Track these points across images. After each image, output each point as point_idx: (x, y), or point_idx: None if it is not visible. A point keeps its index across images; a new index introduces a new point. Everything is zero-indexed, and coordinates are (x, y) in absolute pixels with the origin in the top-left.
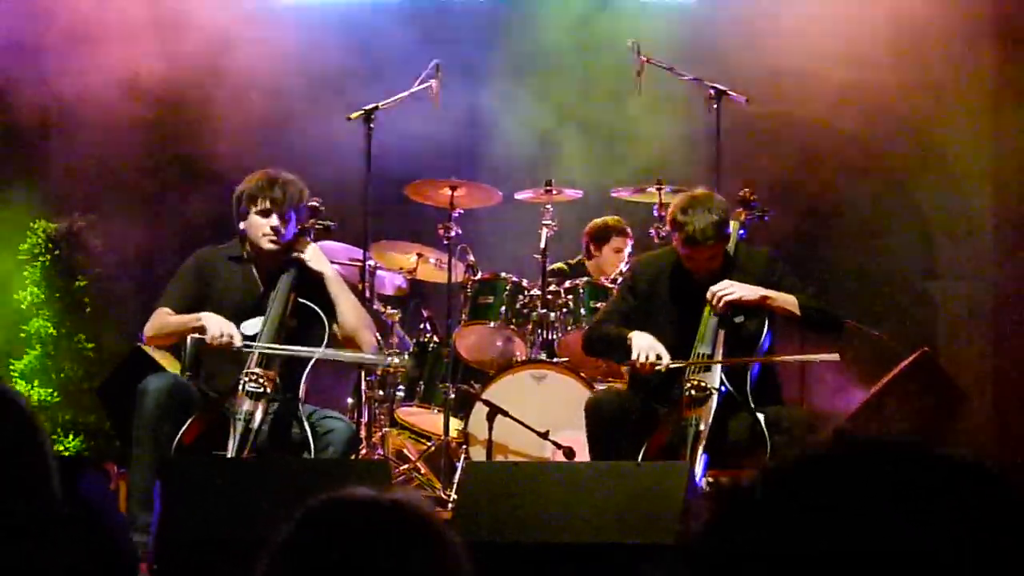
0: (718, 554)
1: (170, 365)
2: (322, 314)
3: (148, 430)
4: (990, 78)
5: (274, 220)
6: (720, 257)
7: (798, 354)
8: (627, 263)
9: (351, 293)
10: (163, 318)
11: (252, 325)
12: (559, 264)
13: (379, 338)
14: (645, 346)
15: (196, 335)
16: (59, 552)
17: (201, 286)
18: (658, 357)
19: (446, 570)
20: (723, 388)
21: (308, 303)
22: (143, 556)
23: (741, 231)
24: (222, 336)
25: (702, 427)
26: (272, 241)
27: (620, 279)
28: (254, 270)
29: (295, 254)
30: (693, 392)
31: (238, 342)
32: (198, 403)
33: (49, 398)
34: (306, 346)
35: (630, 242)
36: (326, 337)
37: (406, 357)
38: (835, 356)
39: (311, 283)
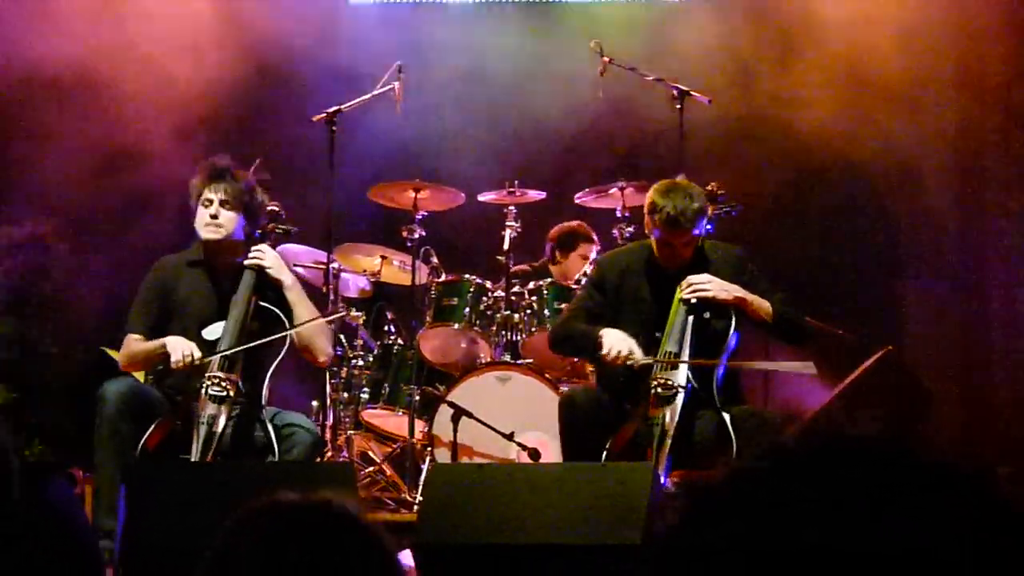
0: (687, 552)
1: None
2: (283, 316)
3: (108, 435)
4: (952, 75)
5: (214, 209)
6: (692, 247)
7: (770, 359)
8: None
9: (308, 301)
10: (132, 347)
11: (214, 330)
12: (522, 266)
13: (344, 342)
14: (616, 340)
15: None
16: (25, 558)
17: (163, 299)
18: (630, 352)
19: (379, 571)
20: (689, 386)
21: (269, 306)
22: (109, 562)
23: (709, 226)
24: (184, 359)
25: (668, 425)
26: (212, 230)
27: (585, 277)
28: (213, 272)
29: (253, 259)
30: (660, 390)
31: (197, 358)
32: (159, 406)
33: (10, 401)
34: (268, 349)
35: (595, 248)
36: (287, 338)
37: (353, 311)
38: (811, 368)
39: (271, 286)
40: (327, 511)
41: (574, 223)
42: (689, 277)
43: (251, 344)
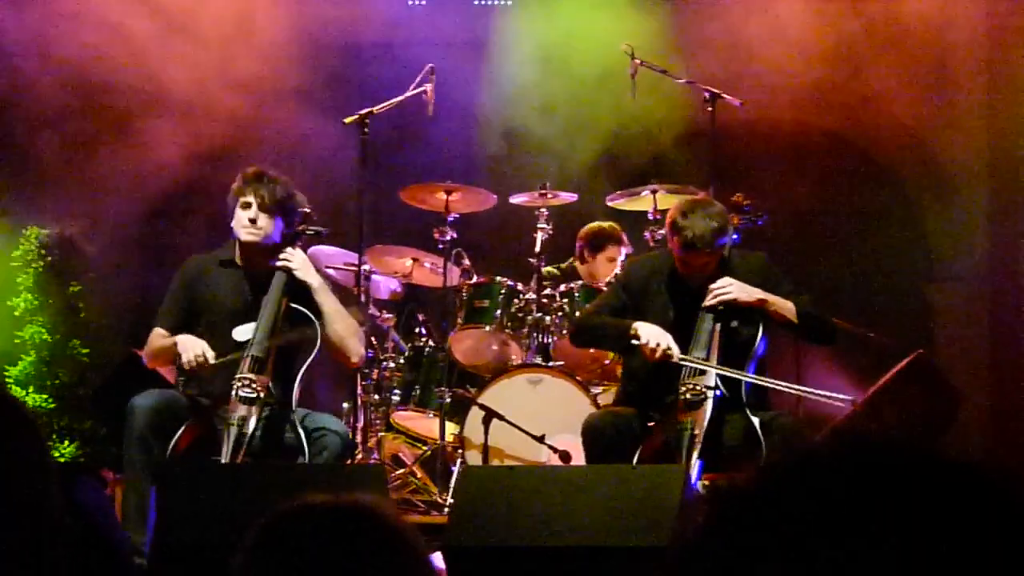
0: (714, 554)
1: (166, 370)
2: (314, 318)
3: (138, 450)
4: (985, 79)
5: (252, 212)
6: (715, 264)
7: (802, 375)
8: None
9: (338, 303)
10: (154, 342)
11: (244, 331)
12: (550, 268)
13: (375, 343)
14: (656, 333)
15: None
16: (60, 561)
17: (191, 297)
18: (668, 347)
19: (411, 572)
20: (719, 391)
21: (300, 307)
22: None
23: (735, 236)
24: (195, 359)
25: (697, 431)
26: (250, 233)
27: (613, 279)
28: (244, 273)
29: (283, 262)
30: (688, 396)
31: (211, 359)
32: (188, 413)
33: (44, 404)
34: (300, 352)
35: (624, 250)
36: (318, 341)
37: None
38: (849, 398)
39: (302, 288)
40: (359, 512)
41: (606, 224)
42: (711, 285)
43: (247, 354)
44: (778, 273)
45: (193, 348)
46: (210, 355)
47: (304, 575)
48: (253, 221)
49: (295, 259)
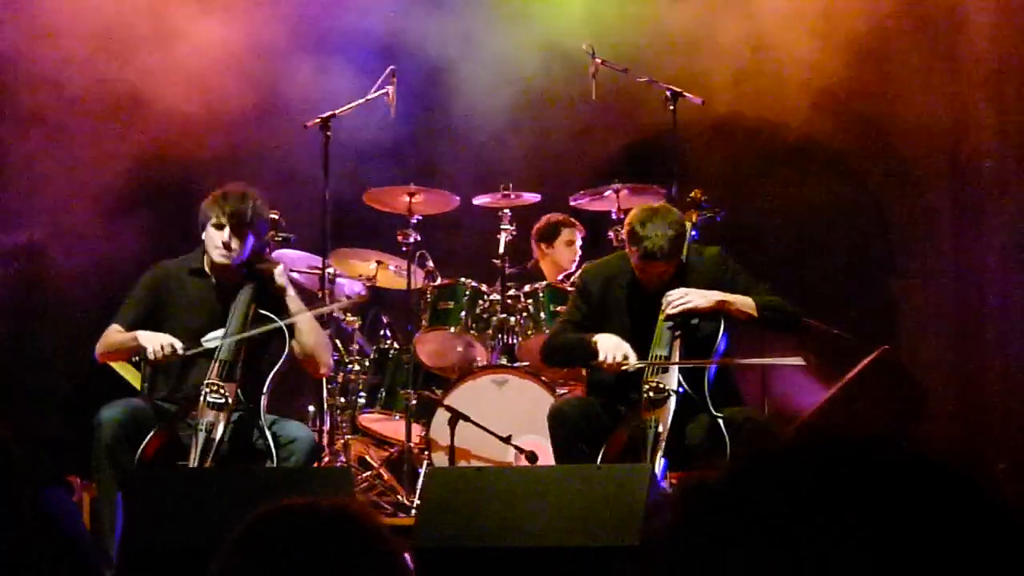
0: (686, 550)
1: (130, 375)
2: (282, 324)
3: (106, 462)
4: (947, 75)
5: (225, 235)
6: (672, 270)
7: (762, 356)
8: (580, 256)
9: (310, 313)
10: (109, 336)
11: (213, 337)
12: (513, 270)
13: (340, 346)
14: (611, 346)
15: (139, 354)
16: (25, 568)
17: (157, 300)
18: (624, 357)
19: (387, 573)
20: (681, 389)
21: (268, 313)
22: None
23: (693, 232)
24: (162, 349)
25: (661, 429)
26: (223, 255)
27: (576, 264)
28: (213, 282)
29: (259, 266)
30: (651, 394)
31: (180, 349)
32: (155, 421)
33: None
34: (268, 357)
35: (580, 233)
36: (287, 347)
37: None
38: (799, 360)
39: (270, 296)
40: (337, 514)
41: (549, 215)
42: (667, 295)
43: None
44: (735, 266)
45: (158, 340)
46: (178, 345)
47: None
48: (226, 244)
49: (276, 268)
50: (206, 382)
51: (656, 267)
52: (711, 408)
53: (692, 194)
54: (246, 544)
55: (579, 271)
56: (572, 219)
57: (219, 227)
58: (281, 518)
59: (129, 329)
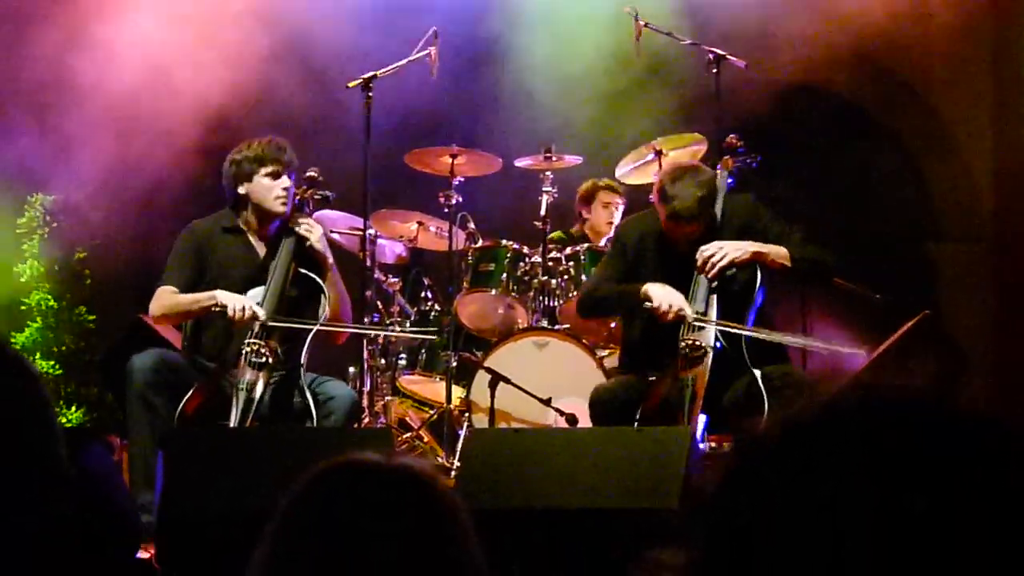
0: (736, 512)
1: (172, 335)
2: (323, 284)
3: (140, 408)
4: (989, 35)
5: (286, 181)
6: (702, 229)
7: (810, 332)
8: (619, 219)
9: (343, 288)
10: (171, 297)
11: (253, 295)
12: (558, 232)
13: (381, 307)
14: (666, 295)
15: (216, 311)
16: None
17: (201, 260)
18: (680, 308)
19: (451, 535)
20: (719, 345)
21: (308, 273)
22: (146, 536)
23: (729, 180)
24: (244, 311)
25: (698, 387)
26: (285, 202)
27: (611, 226)
28: (250, 239)
29: (304, 231)
30: (688, 351)
31: (263, 316)
32: (188, 375)
33: (51, 371)
34: (305, 316)
35: (619, 198)
36: (326, 306)
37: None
38: (861, 352)
39: (308, 254)
40: (403, 472)
41: (593, 180)
42: (702, 249)
43: (305, 323)
44: (766, 213)
45: (241, 302)
46: (261, 313)
47: (347, 534)
48: (286, 190)
49: (315, 232)
50: (247, 341)
51: (683, 227)
52: (749, 365)
53: (728, 139)
54: (306, 501)
55: (616, 228)
56: (613, 183)
57: (275, 175)
58: (344, 474)
59: (185, 290)
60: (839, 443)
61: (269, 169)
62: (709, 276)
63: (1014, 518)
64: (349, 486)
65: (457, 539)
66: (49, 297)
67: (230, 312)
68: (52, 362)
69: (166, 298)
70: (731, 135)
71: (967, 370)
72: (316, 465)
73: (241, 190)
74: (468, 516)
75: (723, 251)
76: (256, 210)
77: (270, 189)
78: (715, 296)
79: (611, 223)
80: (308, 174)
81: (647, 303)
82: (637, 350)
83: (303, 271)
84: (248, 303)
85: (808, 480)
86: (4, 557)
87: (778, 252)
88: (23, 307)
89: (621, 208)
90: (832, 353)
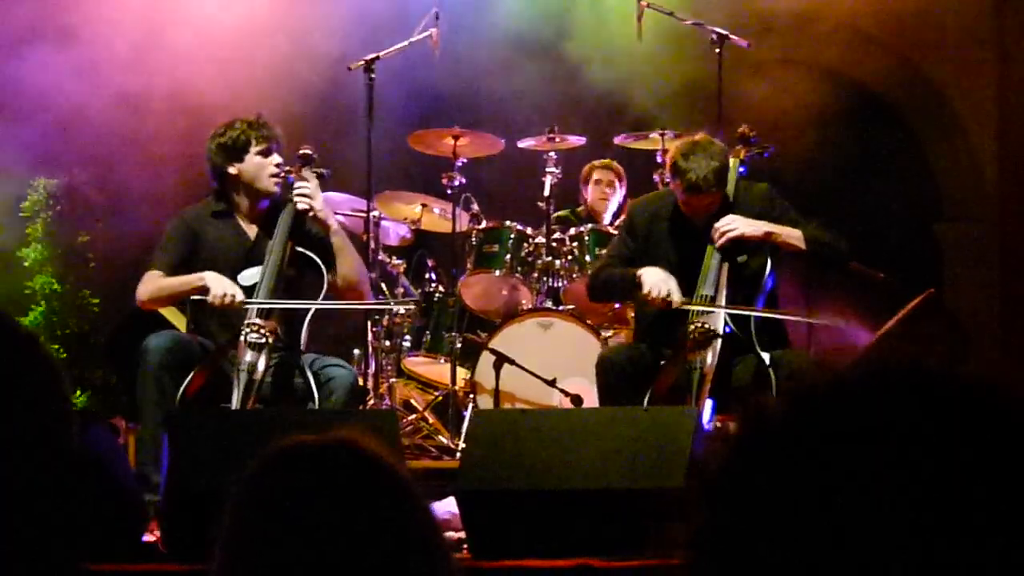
0: (743, 488)
1: (174, 318)
2: (320, 263)
3: (152, 388)
4: (992, 18)
5: (277, 158)
6: (718, 202)
7: (809, 311)
8: (618, 200)
9: (352, 247)
10: (157, 281)
11: (250, 276)
12: (563, 212)
13: (385, 289)
14: (657, 281)
15: (196, 297)
16: (74, 498)
17: (191, 245)
18: (668, 294)
19: (404, 512)
20: (727, 329)
21: (306, 251)
22: (154, 515)
23: (741, 168)
24: (224, 296)
25: (706, 370)
26: (279, 181)
27: (603, 202)
28: (241, 222)
29: (300, 198)
30: (696, 334)
31: (240, 299)
32: (200, 358)
33: (55, 354)
34: (304, 295)
35: (616, 179)
36: (324, 286)
37: (412, 307)
38: (840, 321)
39: (305, 231)
40: (349, 450)
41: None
42: (715, 225)
43: (296, 304)
44: (782, 202)
45: (223, 286)
46: (239, 296)
47: (298, 515)
48: (279, 166)
49: (315, 196)
50: (246, 322)
51: (702, 199)
52: (757, 349)
53: (740, 129)
54: (256, 484)
55: (627, 207)
56: (608, 161)
57: (266, 152)
58: (287, 456)
59: (171, 274)
60: (849, 412)
61: (259, 147)
62: (717, 246)
63: None
64: (285, 468)
65: (401, 508)
66: (53, 281)
67: (210, 298)
68: (56, 345)
69: (152, 282)
70: (743, 125)
71: (970, 349)
72: (261, 451)
73: (232, 171)
74: (415, 486)
75: (735, 223)
76: (247, 190)
77: (263, 167)
78: (724, 279)
79: (604, 200)
80: (302, 152)
81: (638, 289)
82: (650, 324)
83: (300, 250)
84: (231, 288)
85: (818, 450)
86: (17, 538)
87: (791, 234)
88: (27, 291)
89: (618, 187)
90: (835, 326)
